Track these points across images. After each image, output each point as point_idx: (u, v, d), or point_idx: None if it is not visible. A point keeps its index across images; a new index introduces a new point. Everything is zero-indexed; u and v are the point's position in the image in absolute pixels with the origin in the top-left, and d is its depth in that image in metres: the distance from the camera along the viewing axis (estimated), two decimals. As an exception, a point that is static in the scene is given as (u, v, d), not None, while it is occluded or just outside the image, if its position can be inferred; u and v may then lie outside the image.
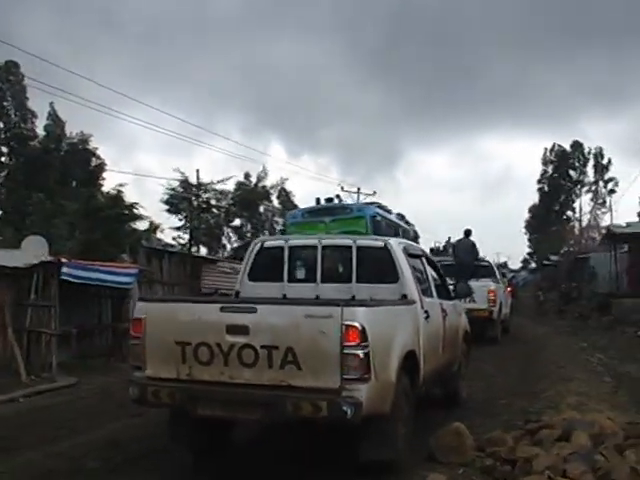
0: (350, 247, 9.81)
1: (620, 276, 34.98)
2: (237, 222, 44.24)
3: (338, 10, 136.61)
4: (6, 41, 47.69)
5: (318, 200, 23.28)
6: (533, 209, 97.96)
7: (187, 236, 35.74)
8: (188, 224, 35.67)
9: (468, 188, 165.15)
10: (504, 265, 65.24)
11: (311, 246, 10.21)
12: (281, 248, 10.24)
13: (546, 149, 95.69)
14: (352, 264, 9.71)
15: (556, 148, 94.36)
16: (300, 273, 10.33)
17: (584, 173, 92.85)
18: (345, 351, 6.70)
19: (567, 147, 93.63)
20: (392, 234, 21.04)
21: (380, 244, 9.76)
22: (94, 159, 37.19)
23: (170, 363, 7.32)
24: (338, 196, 25.06)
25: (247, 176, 46.14)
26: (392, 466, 7.52)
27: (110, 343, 19.27)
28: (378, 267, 9.63)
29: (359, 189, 54.95)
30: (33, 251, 17.01)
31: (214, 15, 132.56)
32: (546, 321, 34.30)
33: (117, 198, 24.72)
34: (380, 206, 24.74)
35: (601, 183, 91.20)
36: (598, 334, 25.51)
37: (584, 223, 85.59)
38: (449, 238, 68.10)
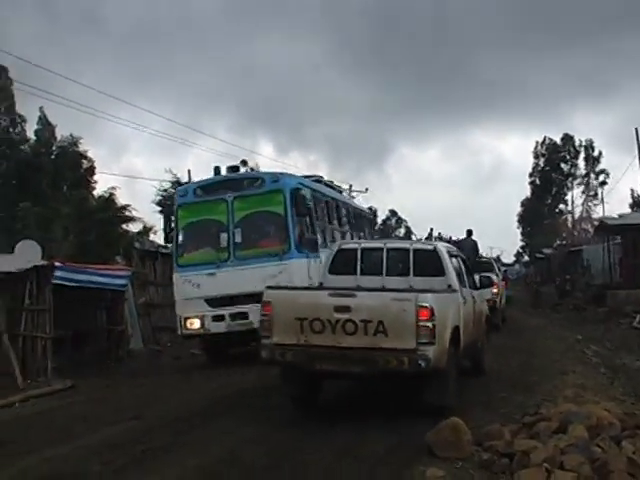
0: (408, 249, 12.66)
1: (613, 268, 35.06)
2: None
3: (326, 7, 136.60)
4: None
5: (217, 169, 18.48)
6: (525, 202, 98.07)
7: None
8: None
9: (460, 183, 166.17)
10: (497, 259, 65.36)
11: (378, 248, 12.98)
12: (355, 250, 12.98)
13: (537, 142, 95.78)
14: (409, 262, 12.35)
15: (547, 141, 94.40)
16: (369, 268, 12.60)
17: (575, 166, 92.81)
18: (419, 323, 9.60)
19: (558, 140, 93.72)
20: (325, 214, 19.76)
21: (431, 248, 12.90)
22: (85, 161, 37.02)
23: (291, 333, 10.08)
24: (245, 162, 19.62)
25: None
26: (444, 409, 9.65)
27: (106, 346, 19.26)
28: (429, 264, 12.25)
29: (351, 186, 54.67)
30: (26, 255, 17.01)
31: (199, 13, 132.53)
32: (541, 314, 34.28)
33: (109, 201, 24.70)
34: (319, 180, 21.90)
35: (592, 175, 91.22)
36: (593, 326, 25.55)
37: (576, 216, 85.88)
38: (431, 229, 68.51)
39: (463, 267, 13.58)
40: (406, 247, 12.93)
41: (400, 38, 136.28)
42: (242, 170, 18.77)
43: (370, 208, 27.40)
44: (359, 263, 12.65)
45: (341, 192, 24.00)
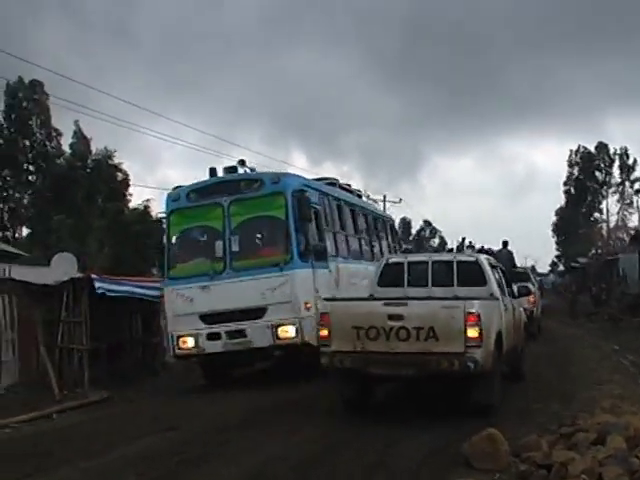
0: (452, 261, 13.91)
1: (649, 277, 34.77)
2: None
3: (355, 16, 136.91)
4: (25, 58, 48.09)
5: (213, 171, 16.86)
6: (560, 211, 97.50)
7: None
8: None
9: (494, 192, 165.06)
10: (533, 269, 64.96)
11: (424, 261, 14.30)
12: (402, 263, 14.19)
13: (571, 151, 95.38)
14: (453, 273, 13.49)
15: (581, 150, 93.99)
16: (415, 280, 13.68)
17: (610, 174, 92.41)
18: (469, 328, 10.38)
19: (592, 148, 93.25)
20: (336, 219, 18.35)
21: (473, 259, 14.07)
22: (119, 174, 37.31)
23: (348, 341, 10.93)
24: (243, 162, 17.13)
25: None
26: (491, 408, 10.91)
27: (141, 357, 19.34)
28: (472, 275, 13.25)
29: (385, 196, 54.61)
30: (62, 268, 17.14)
31: (231, 25, 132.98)
32: (577, 323, 34.14)
33: (144, 213, 24.85)
34: (332, 183, 20.01)
35: (627, 183, 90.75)
36: (629, 335, 25.33)
37: (612, 224, 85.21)
38: (463, 239, 67.91)
39: (502, 277, 14.46)
40: (450, 259, 14.28)
41: (432, 48, 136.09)
42: (240, 171, 16.88)
43: (404, 219, 26.86)
44: (406, 275, 13.83)
45: (360, 196, 22.42)
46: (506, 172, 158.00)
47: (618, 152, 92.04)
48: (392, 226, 22.96)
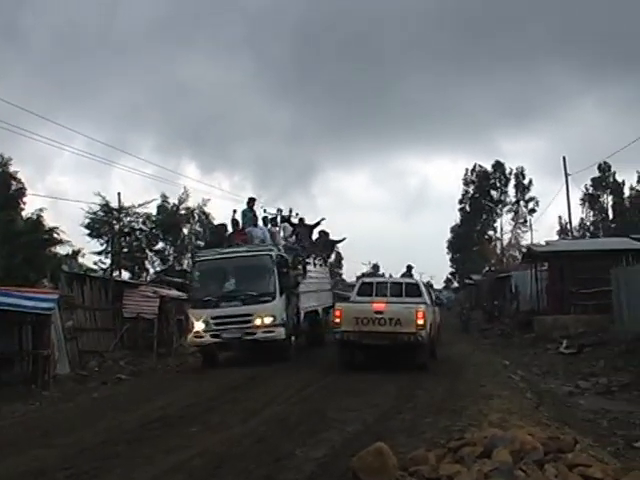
0: (402, 282, 23.01)
1: (541, 294, 35.50)
2: (160, 245, 43.37)
3: (250, 27, 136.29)
4: None
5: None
6: (455, 229, 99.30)
7: (109, 261, 35.26)
8: (110, 248, 35.18)
9: (389, 208, 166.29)
10: (429, 285, 65.71)
11: (385, 282, 23.71)
12: (372, 282, 23.50)
13: (467, 169, 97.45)
14: (402, 289, 21.86)
15: (477, 168, 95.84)
16: (380, 292, 21.67)
17: (505, 193, 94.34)
18: (417, 319, 18.51)
19: (489, 167, 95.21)
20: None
21: (414, 282, 23.57)
22: (14, 183, 36.42)
23: (352, 325, 18.86)
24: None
25: (165, 197, 44.19)
26: (425, 365, 19.01)
27: (31, 370, 18.92)
28: (414, 291, 21.68)
29: (280, 210, 54.57)
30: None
31: (121, 31, 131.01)
32: (469, 339, 34.64)
33: (37, 223, 24.32)
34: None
35: (522, 202, 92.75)
36: (520, 351, 25.95)
37: (505, 242, 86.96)
38: (408, 267, 68.87)
39: (429, 291, 24.24)
40: (401, 281, 23.61)
41: (324, 58, 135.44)
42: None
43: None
44: (374, 290, 21.99)
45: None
46: (400, 187, 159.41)
47: (514, 171, 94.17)
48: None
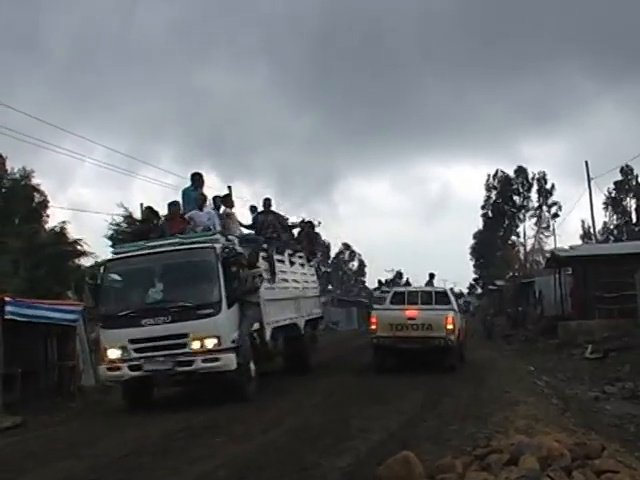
0: (432, 291, 23.73)
1: (565, 299, 35.33)
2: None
3: (269, 35, 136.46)
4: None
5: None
6: (478, 235, 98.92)
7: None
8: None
9: (411, 214, 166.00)
10: (460, 294, 65.46)
11: (416, 291, 24.09)
12: (404, 292, 24.07)
13: (489, 175, 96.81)
14: (432, 297, 22.55)
15: (499, 174, 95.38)
16: (411, 300, 22.39)
17: (528, 198, 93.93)
18: (447, 324, 20.40)
19: (511, 173, 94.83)
20: None
21: (443, 290, 24.60)
22: (37, 195, 36.62)
23: (387, 330, 20.64)
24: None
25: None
26: (454, 367, 20.50)
27: (57, 382, 19.00)
28: (443, 298, 22.51)
29: (304, 220, 54.28)
30: (-25, 291, 16.77)
31: (139, 41, 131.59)
32: (494, 345, 34.54)
33: (61, 235, 24.45)
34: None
35: (545, 207, 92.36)
36: (545, 357, 25.78)
37: (528, 247, 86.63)
38: (431, 275, 69.11)
39: (458, 300, 25.84)
40: (431, 290, 24.32)
41: (343, 65, 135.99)
42: None
43: (323, 242, 27.29)
44: (406, 297, 22.80)
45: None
46: (422, 193, 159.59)
47: (537, 176, 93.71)
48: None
